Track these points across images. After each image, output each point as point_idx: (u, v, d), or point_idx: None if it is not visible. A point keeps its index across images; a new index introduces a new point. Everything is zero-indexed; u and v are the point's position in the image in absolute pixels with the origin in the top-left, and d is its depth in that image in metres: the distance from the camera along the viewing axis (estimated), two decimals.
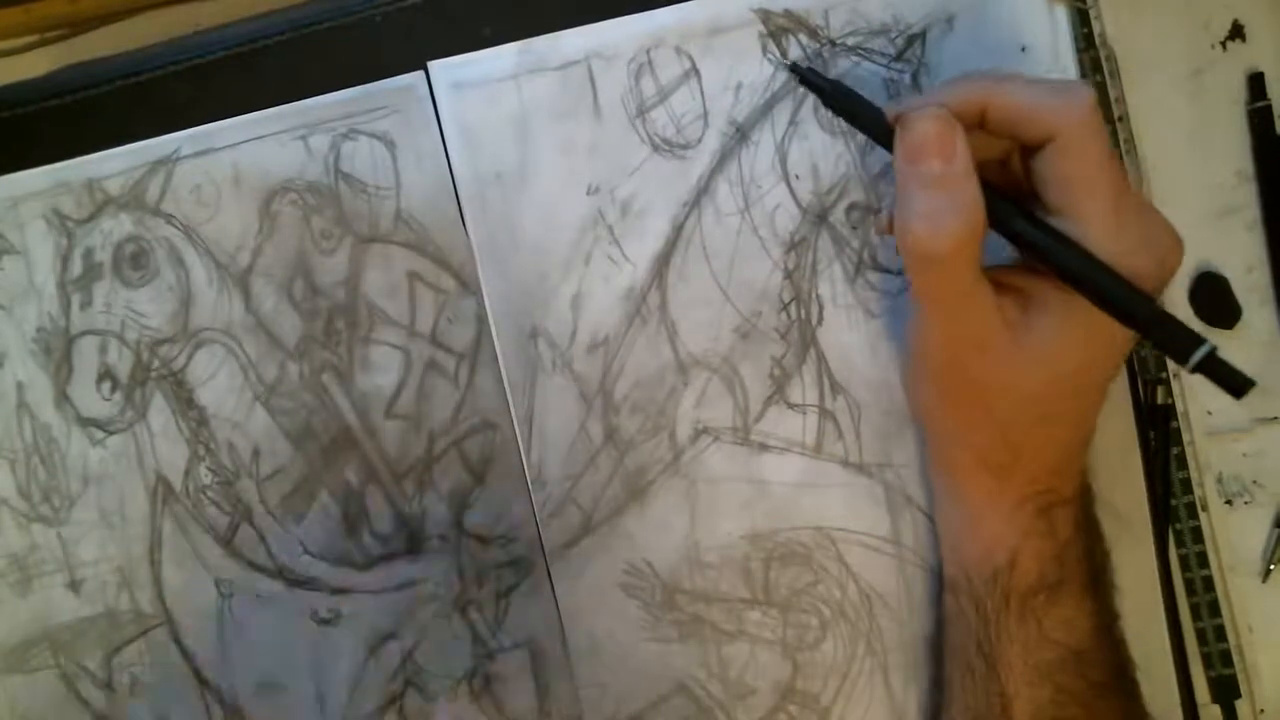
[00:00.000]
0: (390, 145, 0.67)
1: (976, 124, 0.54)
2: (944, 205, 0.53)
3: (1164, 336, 0.51)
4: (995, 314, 0.55)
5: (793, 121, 0.66)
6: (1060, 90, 0.53)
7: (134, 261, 0.67)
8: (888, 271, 0.67)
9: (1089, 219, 0.52)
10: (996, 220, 0.54)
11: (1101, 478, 0.66)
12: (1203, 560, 0.68)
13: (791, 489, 0.67)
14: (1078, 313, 0.53)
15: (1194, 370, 0.50)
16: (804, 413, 0.67)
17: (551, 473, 0.67)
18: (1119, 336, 0.52)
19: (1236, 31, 0.68)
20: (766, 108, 0.66)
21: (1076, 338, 0.54)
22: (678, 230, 0.67)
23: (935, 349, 0.58)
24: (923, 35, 0.66)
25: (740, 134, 0.66)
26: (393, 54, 0.67)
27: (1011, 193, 0.56)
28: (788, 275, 0.67)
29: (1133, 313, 0.51)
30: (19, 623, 0.68)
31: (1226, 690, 0.67)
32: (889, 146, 0.55)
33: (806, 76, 0.59)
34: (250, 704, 0.68)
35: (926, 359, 0.60)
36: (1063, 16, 0.66)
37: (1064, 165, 0.52)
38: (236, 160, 0.67)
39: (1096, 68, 0.67)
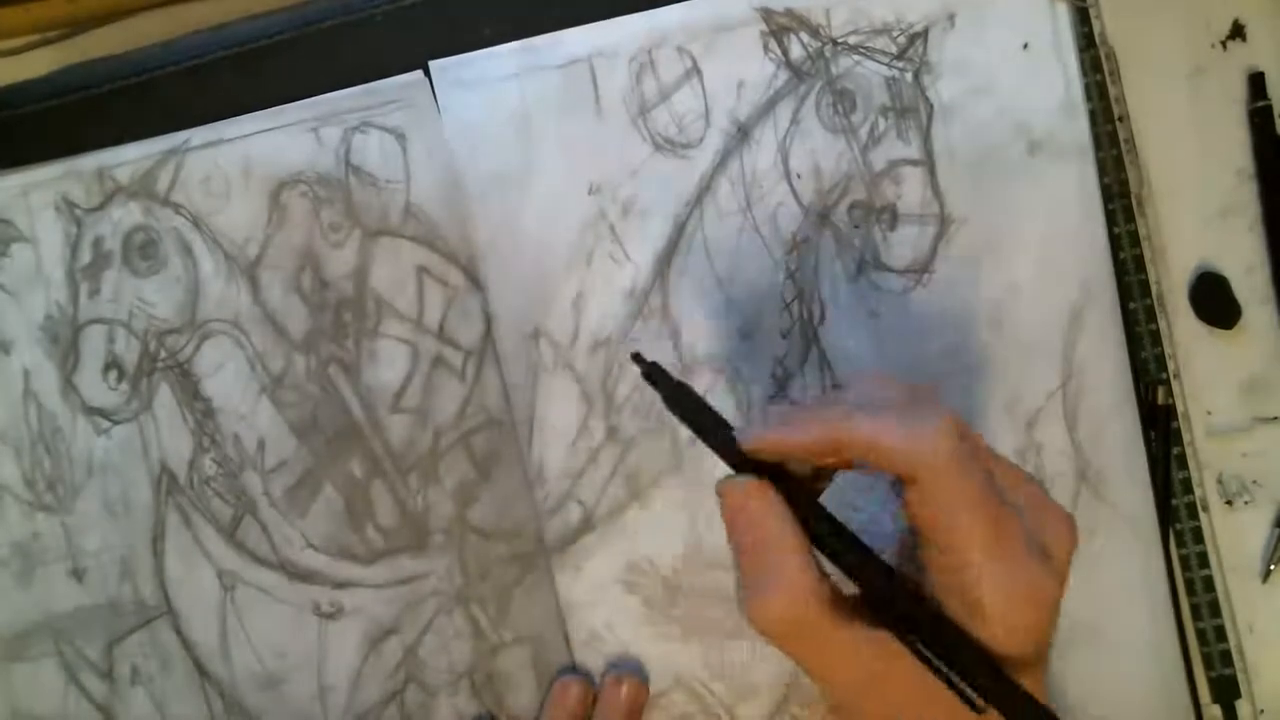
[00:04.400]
0: (401, 139, 0.67)
1: (837, 458, 0.50)
2: (761, 579, 0.49)
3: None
4: (863, 662, 0.49)
5: (794, 120, 0.67)
6: (914, 426, 0.47)
7: (143, 251, 0.68)
8: (890, 271, 0.67)
9: (959, 571, 0.47)
10: (853, 577, 0.49)
11: (1107, 479, 0.66)
12: (1203, 560, 0.67)
13: None
14: None
15: None
16: None
17: (552, 470, 0.67)
18: None
19: (1236, 31, 0.68)
20: (768, 106, 0.67)
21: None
22: (680, 230, 0.67)
23: (828, 693, 0.53)
24: (924, 33, 0.67)
25: (742, 133, 0.67)
26: (393, 54, 0.68)
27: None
28: (789, 274, 0.67)
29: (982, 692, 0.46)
30: (21, 611, 0.69)
31: (1226, 690, 0.67)
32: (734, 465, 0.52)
33: (650, 373, 0.55)
34: (251, 696, 0.68)
35: (829, 698, 0.55)
36: (1064, 14, 0.66)
37: (927, 511, 0.47)
38: (247, 151, 0.68)
39: (1096, 67, 0.68)
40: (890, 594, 0.48)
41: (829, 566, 0.49)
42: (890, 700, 0.49)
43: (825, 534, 0.49)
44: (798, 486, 0.50)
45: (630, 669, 0.67)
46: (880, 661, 0.48)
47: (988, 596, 0.46)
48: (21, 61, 0.77)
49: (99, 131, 0.68)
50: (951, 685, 0.46)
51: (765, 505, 0.50)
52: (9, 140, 0.69)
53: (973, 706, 0.46)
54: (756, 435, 0.50)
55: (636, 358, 0.55)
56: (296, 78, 0.68)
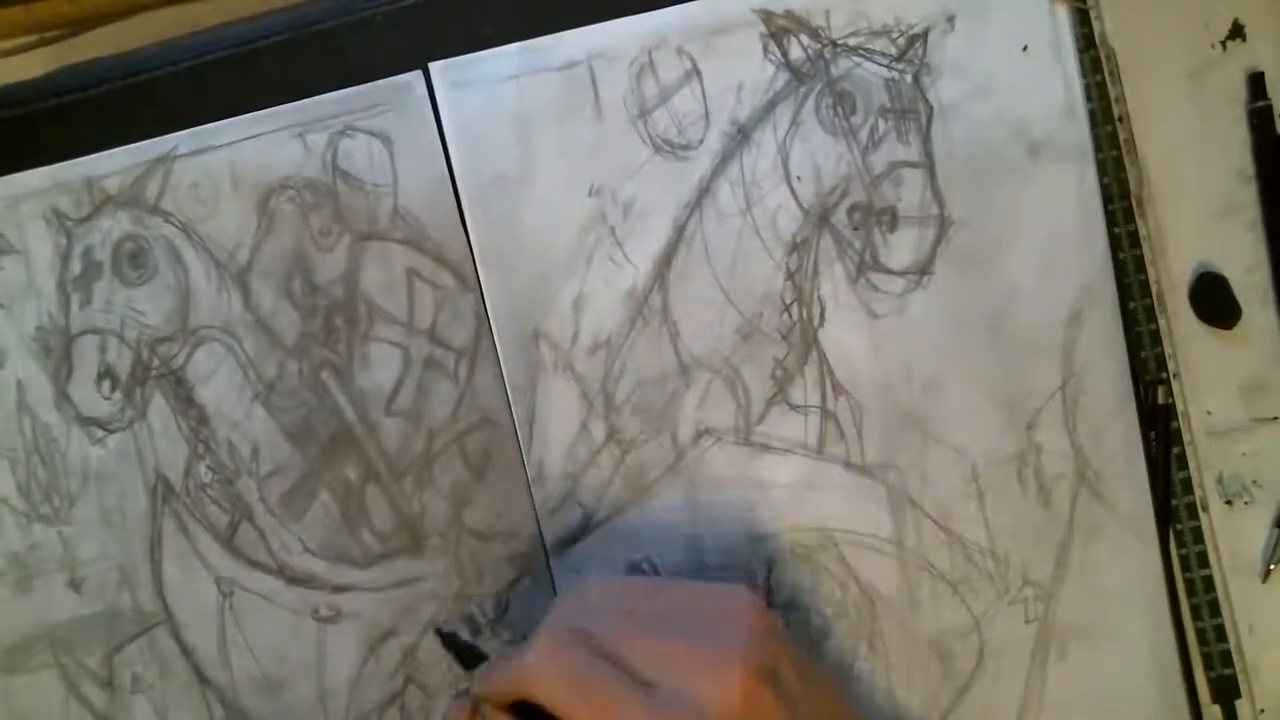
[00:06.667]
0: (387, 142, 0.67)
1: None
2: None
3: None
4: None
5: (794, 122, 0.66)
6: (519, 663, 0.56)
7: (133, 260, 0.67)
8: (890, 272, 0.67)
9: None
10: None
11: (1106, 479, 0.67)
12: (1203, 560, 0.68)
13: (793, 490, 0.67)
14: None
15: None
16: (806, 414, 0.67)
17: (553, 471, 0.67)
18: None
19: (1236, 31, 0.68)
20: (768, 108, 0.66)
21: None
22: (679, 231, 0.67)
23: None
24: (924, 35, 0.66)
25: (742, 134, 0.66)
26: (393, 54, 0.67)
27: None
28: (789, 276, 0.67)
29: None
30: (20, 622, 0.68)
31: (1226, 690, 0.67)
32: None
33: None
34: (251, 702, 0.68)
35: None
36: (1064, 16, 0.66)
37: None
38: (234, 158, 0.67)
39: (1096, 68, 0.67)
40: None
41: None
42: None
43: None
44: None
45: None
46: None
47: None
48: (21, 61, 0.76)
49: (98, 132, 0.68)
50: None
51: None
52: (8, 140, 0.68)
53: None
54: (476, 693, 0.60)
55: (439, 633, 0.67)
56: (295, 78, 0.67)
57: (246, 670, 0.68)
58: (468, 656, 0.66)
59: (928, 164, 0.67)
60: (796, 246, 0.67)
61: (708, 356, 0.67)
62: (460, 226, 0.67)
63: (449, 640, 0.67)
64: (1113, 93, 0.68)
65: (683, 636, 0.55)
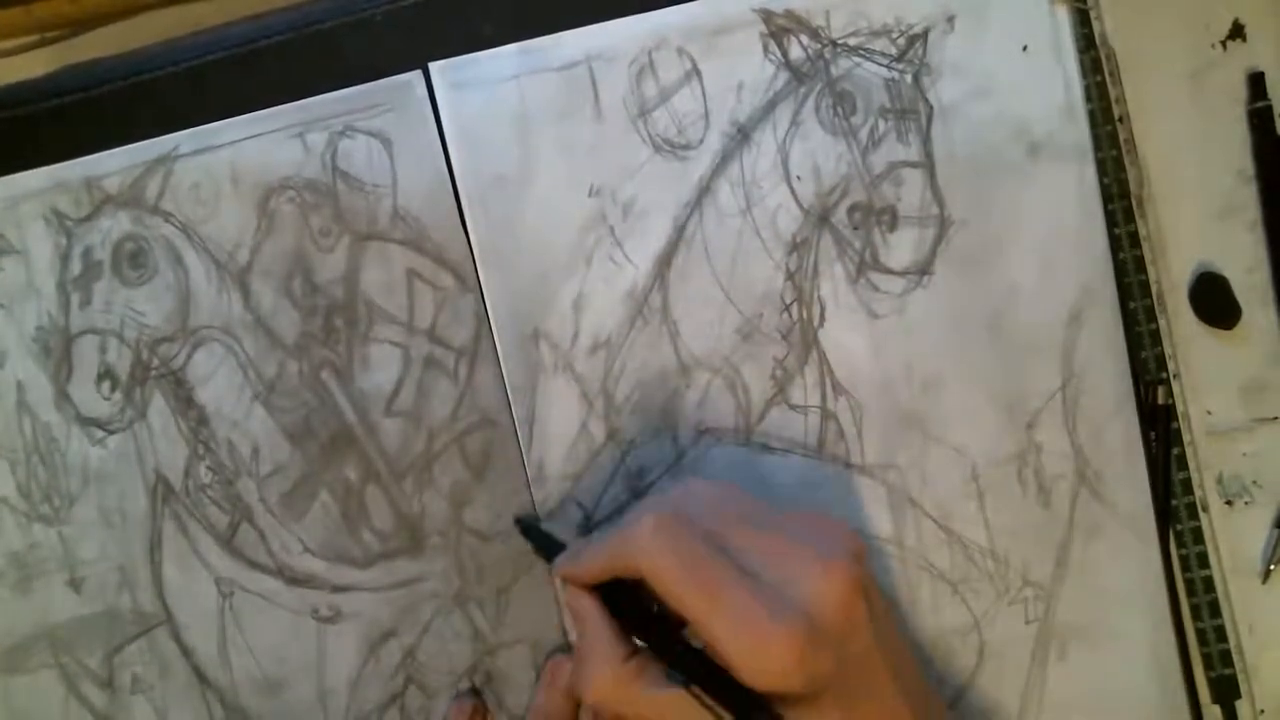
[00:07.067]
0: (387, 143, 0.67)
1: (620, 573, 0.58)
2: (585, 662, 0.58)
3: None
4: (672, 715, 0.56)
5: (794, 122, 0.66)
6: (624, 534, 0.56)
7: (133, 260, 0.67)
8: (890, 272, 0.67)
9: (701, 632, 0.54)
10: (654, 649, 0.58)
11: (1106, 479, 0.67)
12: (1203, 561, 0.68)
13: (793, 490, 0.67)
14: None
15: None
16: (806, 414, 0.67)
17: (552, 471, 0.67)
18: None
19: (1236, 31, 0.68)
20: (768, 108, 0.66)
21: None
22: (679, 231, 0.67)
23: None
24: (924, 35, 0.66)
25: (742, 134, 0.66)
26: (393, 54, 0.67)
27: None
28: (789, 276, 0.67)
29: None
30: (20, 622, 0.68)
31: (1226, 690, 0.67)
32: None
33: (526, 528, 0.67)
34: (251, 702, 0.68)
35: None
36: (1064, 16, 0.66)
37: (660, 593, 0.55)
38: (234, 158, 0.67)
39: (1096, 68, 0.67)
40: (675, 654, 0.56)
41: None
42: None
43: (635, 619, 0.58)
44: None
45: None
46: (683, 714, 0.55)
47: (723, 649, 0.53)
48: (21, 61, 0.76)
49: (98, 132, 0.68)
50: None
51: (587, 604, 0.59)
52: (8, 140, 0.68)
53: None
54: (561, 569, 0.61)
55: (518, 521, 0.67)
56: (296, 79, 0.67)
57: (246, 671, 0.68)
58: (547, 545, 0.65)
59: (928, 164, 0.67)
60: (796, 246, 0.67)
61: (708, 356, 0.67)
62: (460, 227, 0.67)
63: (528, 529, 0.66)
64: (1113, 93, 0.68)
65: (788, 537, 0.56)
